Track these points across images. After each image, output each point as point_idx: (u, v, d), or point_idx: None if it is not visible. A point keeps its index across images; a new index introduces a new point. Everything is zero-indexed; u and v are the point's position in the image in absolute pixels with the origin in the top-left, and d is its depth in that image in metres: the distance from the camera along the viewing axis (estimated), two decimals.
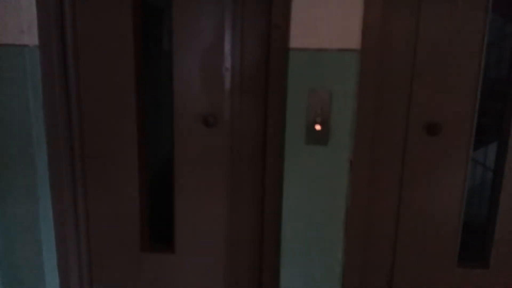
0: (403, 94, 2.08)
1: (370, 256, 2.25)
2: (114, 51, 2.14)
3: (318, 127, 1.97)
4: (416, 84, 2.06)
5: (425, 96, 2.07)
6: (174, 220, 2.33)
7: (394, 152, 2.15)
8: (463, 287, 2.25)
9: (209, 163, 2.25)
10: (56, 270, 2.29)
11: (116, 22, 2.11)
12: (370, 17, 1.94)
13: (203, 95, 2.17)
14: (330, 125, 1.97)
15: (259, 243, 2.28)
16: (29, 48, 2.01)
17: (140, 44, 2.20)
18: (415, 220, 2.20)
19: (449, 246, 2.21)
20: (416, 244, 2.23)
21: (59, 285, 2.31)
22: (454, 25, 2.00)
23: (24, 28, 1.97)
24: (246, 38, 2.09)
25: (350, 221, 2.10)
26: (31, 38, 2.01)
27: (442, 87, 2.06)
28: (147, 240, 2.42)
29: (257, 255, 2.30)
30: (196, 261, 2.36)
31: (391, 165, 2.16)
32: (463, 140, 2.10)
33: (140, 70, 2.21)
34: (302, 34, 1.91)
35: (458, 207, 2.17)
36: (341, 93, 1.95)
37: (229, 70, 2.13)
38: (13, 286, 2.24)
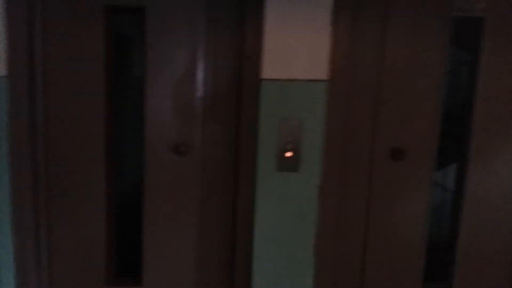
0: (368, 122, 2.17)
1: (340, 279, 2.29)
2: (84, 80, 2.12)
3: (289, 154, 2.02)
4: (381, 112, 2.16)
5: (389, 123, 2.17)
6: (142, 251, 2.27)
7: (361, 177, 2.22)
8: None
9: (180, 192, 2.23)
10: None
11: (87, 52, 2.09)
12: (337, 49, 2.04)
13: (175, 123, 2.17)
14: (301, 152, 2.02)
15: (231, 272, 2.26)
16: None
17: (111, 73, 2.17)
18: (382, 242, 2.27)
19: (414, 266, 2.29)
20: (383, 265, 2.29)
21: None
22: (416, 56, 2.13)
23: None
24: (219, 68, 2.13)
25: (320, 245, 2.14)
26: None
27: (406, 114, 2.17)
28: (113, 273, 2.34)
29: (229, 284, 2.28)
30: None
31: (358, 189, 2.23)
32: (425, 164, 2.20)
33: (111, 99, 2.18)
34: (273, 66, 1.97)
35: (422, 228, 2.26)
36: (311, 121, 2.01)
37: (201, 99, 2.14)
38: None
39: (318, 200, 2.08)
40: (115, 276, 2.34)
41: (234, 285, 2.24)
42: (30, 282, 2.21)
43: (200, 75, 2.12)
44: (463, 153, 2.25)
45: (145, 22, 2.08)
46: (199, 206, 2.24)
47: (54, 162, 2.18)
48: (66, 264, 2.27)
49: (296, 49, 1.96)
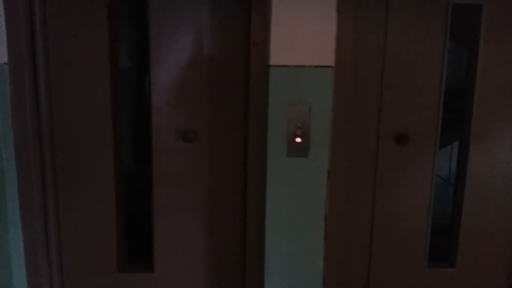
0: (373, 107, 2.22)
1: (348, 261, 2.35)
2: (88, 66, 2.12)
3: (298, 140, 2.06)
4: (385, 97, 2.21)
5: (393, 108, 2.23)
6: (153, 238, 2.30)
7: (367, 161, 2.27)
8: (434, 286, 2.41)
9: (189, 179, 2.26)
10: None
11: (90, 38, 2.09)
12: (342, 36, 2.07)
13: (182, 110, 2.20)
14: (310, 137, 2.06)
15: (242, 257, 2.30)
16: None
17: (116, 60, 2.18)
18: (388, 225, 2.34)
19: (419, 248, 2.36)
20: (389, 248, 2.36)
21: None
22: (418, 41, 2.19)
23: None
24: (225, 54, 2.15)
25: (329, 229, 2.19)
26: (1, 56, 1.97)
27: (409, 99, 2.23)
28: (124, 260, 2.36)
29: (240, 269, 2.32)
30: (177, 279, 2.34)
31: (364, 174, 2.28)
32: (429, 149, 2.27)
33: (115, 85, 2.18)
34: (281, 52, 2.00)
35: (426, 211, 2.33)
36: (319, 107, 2.05)
37: (208, 85, 2.17)
38: None
39: (327, 185, 2.13)
40: (127, 263, 2.37)
41: (246, 269, 2.29)
42: (40, 271, 2.23)
43: (206, 61, 2.14)
44: (463, 137, 2.31)
45: (149, 10, 2.09)
46: (208, 193, 2.27)
47: (61, 152, 2.18)
48: (77, 254, 2.28)
49: (303, 35, 1.99)
